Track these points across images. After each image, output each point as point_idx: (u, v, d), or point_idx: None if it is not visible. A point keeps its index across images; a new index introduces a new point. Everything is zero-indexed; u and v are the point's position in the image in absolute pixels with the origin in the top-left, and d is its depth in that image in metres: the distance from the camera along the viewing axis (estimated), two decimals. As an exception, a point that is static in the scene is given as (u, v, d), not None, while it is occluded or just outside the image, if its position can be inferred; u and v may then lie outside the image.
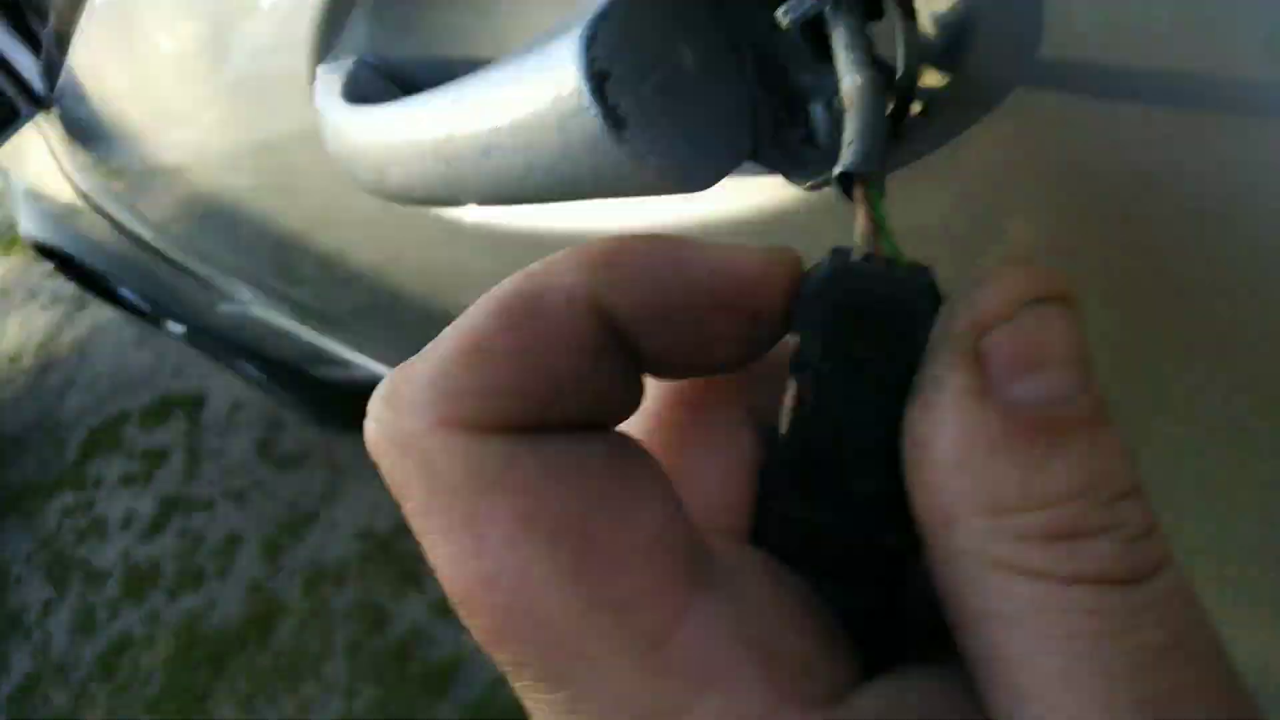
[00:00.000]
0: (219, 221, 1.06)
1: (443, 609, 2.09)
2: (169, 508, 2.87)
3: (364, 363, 1.57)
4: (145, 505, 2.94)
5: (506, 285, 0.20)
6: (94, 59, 0.94)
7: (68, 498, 3.19)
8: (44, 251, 2.16)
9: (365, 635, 2.18)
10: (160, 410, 3.27)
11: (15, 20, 1.14)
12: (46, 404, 3.79)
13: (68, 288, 4.03)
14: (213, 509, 2.78)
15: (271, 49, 0.57)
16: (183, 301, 1.92)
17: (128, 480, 3.08)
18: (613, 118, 0.27)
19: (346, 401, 2.48)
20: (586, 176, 0.30)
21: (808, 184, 0.33)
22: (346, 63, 0.48)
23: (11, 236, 5.37)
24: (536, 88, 0.29)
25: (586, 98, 0.27)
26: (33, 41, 1.16)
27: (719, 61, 0.31)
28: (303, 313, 1.43)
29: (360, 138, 0.42)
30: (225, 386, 3.15)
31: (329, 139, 0.46)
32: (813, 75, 0.32)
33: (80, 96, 1.07)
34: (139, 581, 2.71)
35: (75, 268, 2.17)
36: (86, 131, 1.19)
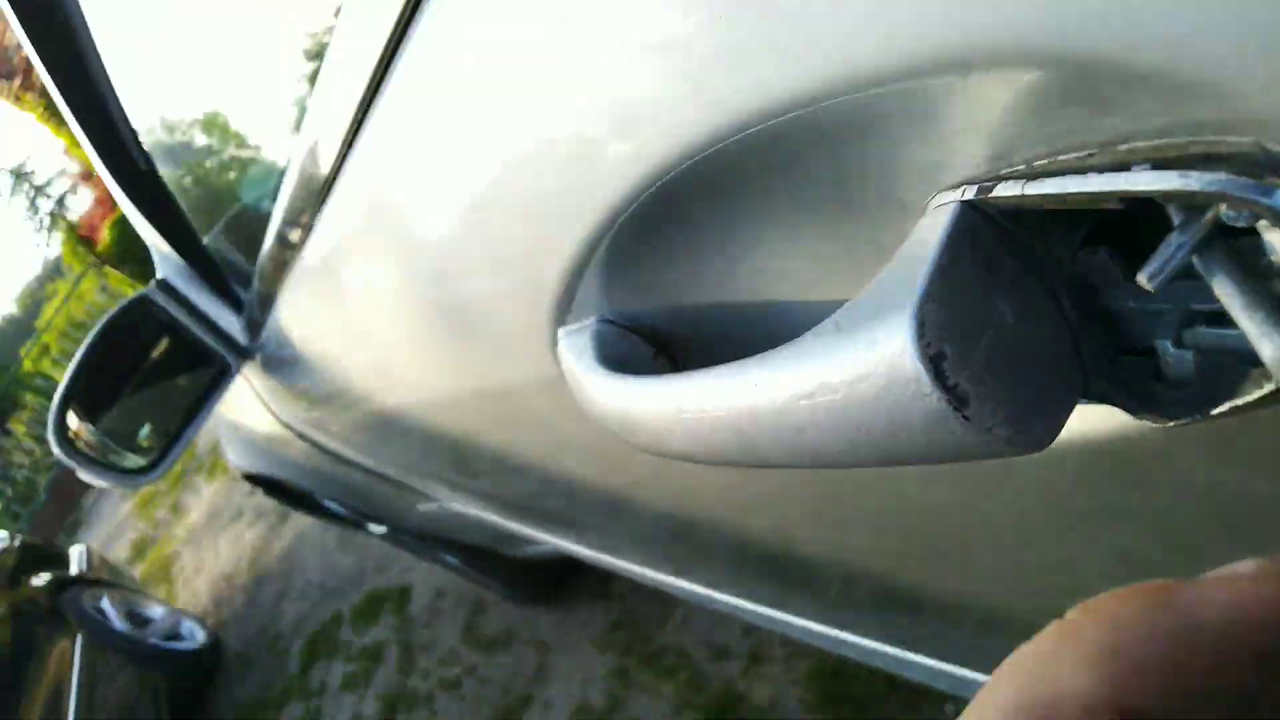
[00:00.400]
0: (420, 441, 1.14)
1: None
2: (390, 708, 2.98)
3: (548, 539, 1.62)
4: (369, 708, 3.06)
5: (1006, 695, 0.18)
6: (300, 313, 1.07)
7: (296, 710, 3.37)
8: (252, 479, 2.36)
9: (599, 823, 2.15)
10: (370, 608, 3.44)
11: (218, 285, 1.30)
12: (265, 616, 4.06)
13: (269, 503, 4.38)
14: (432, 703, 2.86)
15: (507, 308, 0.62)
16: (384, 506, 2.05)
17: (349, 683, 3.23)
18: (955, 397, 0.27)
19: (538, 576, 2.58)
20: (921, 451, 0.30)
21: (1169, 423, 0.31)
22: (589, 324, 0.51)
23: (214, 462, 5.92)
24: (860, 371, 0.29)
25: (926, 382, 0.27)
26: (233, 301, 1.32)
27: (1034, 303, 0.30)
28: (493, 502, 1.50)
29: (635, 407, 0.43)
30: (426, 577, 3.29)
31: (587, 401, 0.48)
32: (1132, 295, 0.30)
33: (284, 344, 1.20)
34: (375, 789, 2.80)
35: (281, 489, 2.36)
36: (288, 373, 1.32)
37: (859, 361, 0.29)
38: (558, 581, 2.69)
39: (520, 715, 2.56)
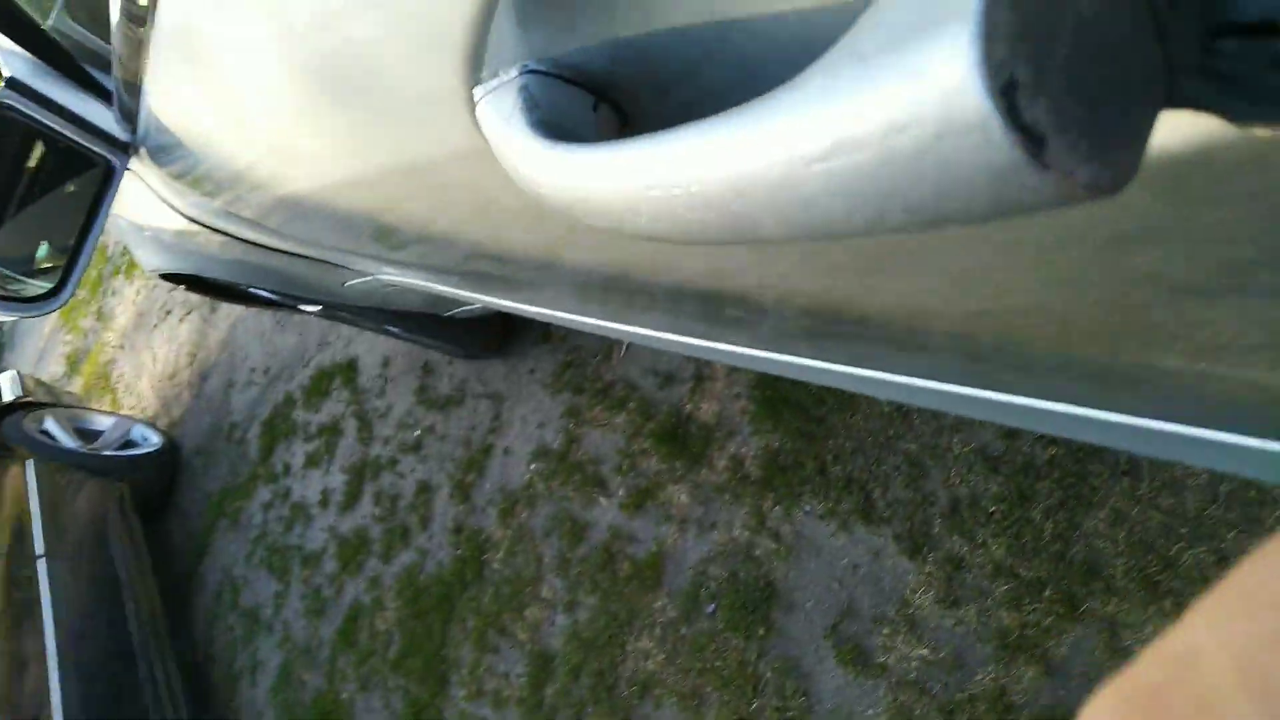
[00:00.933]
0: (336, 220, 1.11)
1: (634, 506, 2.21)
2: (357, 476, 3.11)
3: (481, 299, 1.64)
4: (336, 480, 3.19)
5: None
6: (173, 94, 0.99)
7: (264, 493, 3.50)
8: (171, 278, 2.30)
9: (570, 548, 2.33)
10: (319, 385, 3.50)
11: (80, 78, 1.20)
12: (215, 409, 4.11)
13: (197, 296, 4.31)
14: (397, 466, 2.98)
15: (408, 66, 0.52)
16: (312, 286, 2.03)
17: (313, 460, 3.34)
18: (1030, 139, 0.21)
19: (481, 332, 2.64)
20: (973, 212, 0.23)
21: None
22: (511, 78, 0.42)
23: (129, 261, 5.74)
24: (896, 118, 0.22)
25: (996, 126, 0.20)
26: (99, 90, 1.23)
27: None
28: (422, 271, 1.50)
29: (586, 183, 0.35)
30: (370, 347, 3.33)
31: (524, 176, 0.39)
32: None
33: (165, 131, 1.13)
34: (352, 552, 2.97)
35: (204, 283, 2.31)
36: (179, 162, 1.25)
37: (895, 104, 0.22)
38: (502, 334, 2.75)
39: (484, 464, 2.69)
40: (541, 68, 0.42)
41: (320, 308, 2.40)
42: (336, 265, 1.74)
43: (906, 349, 0.83)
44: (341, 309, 2.34)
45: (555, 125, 0.40)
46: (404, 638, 2.67)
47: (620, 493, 2.27)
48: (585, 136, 0.38)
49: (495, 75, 0.43)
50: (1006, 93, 0.20)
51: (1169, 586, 1.47)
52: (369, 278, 1.84)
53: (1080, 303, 0.56)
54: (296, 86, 0.69)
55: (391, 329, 2.53)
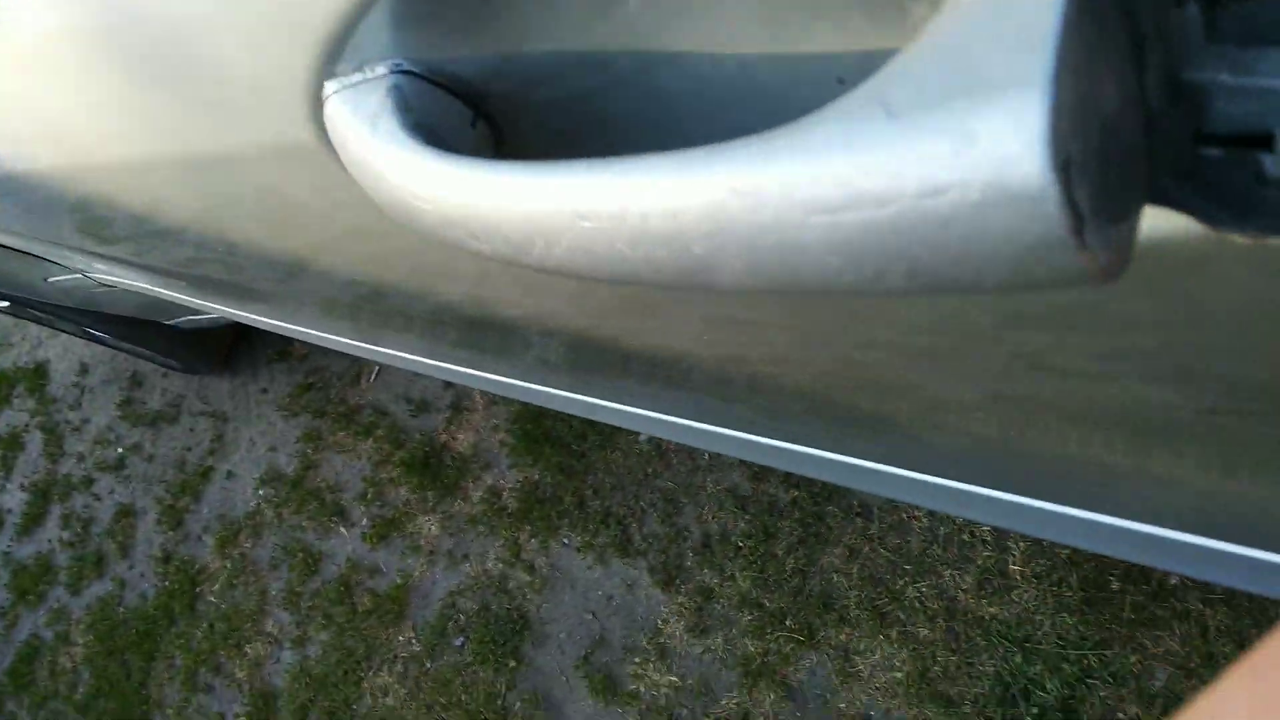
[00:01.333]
0: (42, 203, 0.95)
1: (378, 537, 2.08)
2: (42, 496, 2.71)
3: (210, 307, 1.48)
4: (13, 500, 2.77)
5: None
6: None
7: (-81, 512, 2.98)
8: None
9: (301, 580, 2.16)
10: (-4, 392, 3.04)
11: None
12: None
13: None
14: (92, 486, 2.64)
15: (236, 49, 0.44)
16: (4, 278, 1.75)
17: (-17, 477, 2.88)
18: (1075, 217, 0.20)
19: (205, 343, 2.40)
20: (993, 279, 0.22)
21: (1267, 237, 0.25)
22: (380, 76, 0.37)
23: None
24: (936, 180, 0.21)
25: (1053, 199, 0.19)
26: None
27: (1124, 74, 0.22)
28: (139, 270, 1.33)
29: (494, 205, 0.31)
30: (64, 351, 2.93)
31: (391, 188, 0.35)
32: (1226, 69, 0.23)
33: None
34: (32, 581, 2.59)
35: None
36: None
37: (935, 165, 0.21)
38: (230, 348, 2.51)
39: (200, 488, 2.44)
40: (416, 69, 0.37)
41: (9, 304, 2.08)
42: (39, 257, 1.51)
43: (667, 387, 0.83)
44: (37, 307, 2.04)
45: (431, 133, 0.35)
46: (95, 677, 2.35)
47: (363, 522, 2.13)
48: (461, 152, 0.34)
49: (358, 70, 0.37)
50: (1065, 169, 0.20)
51: (895, 617, 1.58)
52: (77, 275, 1.61)
53: (831, 356, 0.57)
54: (74, 50, 0.56)
55: (96, 333, 2.24)
